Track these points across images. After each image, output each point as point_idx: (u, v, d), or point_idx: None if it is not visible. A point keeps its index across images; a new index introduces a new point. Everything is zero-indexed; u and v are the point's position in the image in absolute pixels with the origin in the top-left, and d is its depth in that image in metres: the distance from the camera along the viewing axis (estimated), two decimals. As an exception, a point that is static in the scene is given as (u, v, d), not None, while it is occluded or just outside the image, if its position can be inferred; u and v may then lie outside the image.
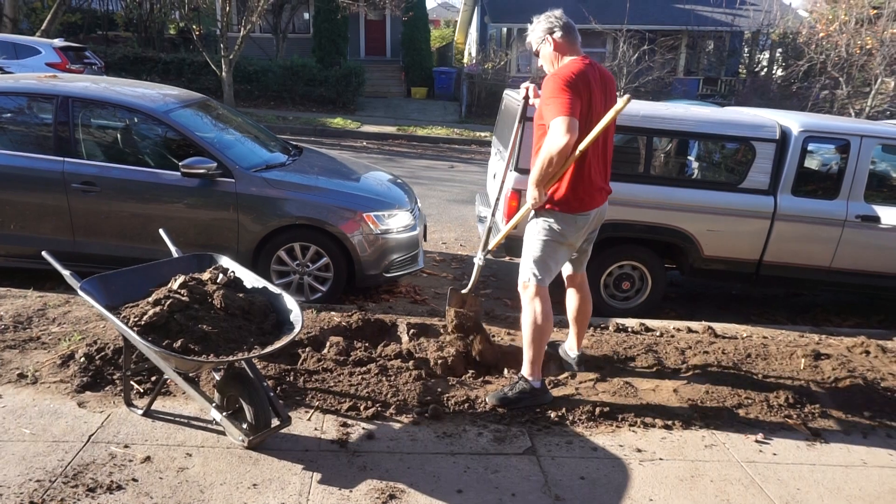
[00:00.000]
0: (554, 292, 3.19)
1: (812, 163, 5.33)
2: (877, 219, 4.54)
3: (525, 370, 3.15)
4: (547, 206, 2.97)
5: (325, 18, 19.01)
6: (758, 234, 4.56)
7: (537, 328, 3.07)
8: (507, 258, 5.00)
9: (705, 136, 4.75)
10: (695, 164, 5.43)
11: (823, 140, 4.80)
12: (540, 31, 2.97)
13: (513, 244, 4.63)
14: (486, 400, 3.13)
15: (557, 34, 2.92)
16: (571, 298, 3.42)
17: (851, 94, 14.99)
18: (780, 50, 19.71)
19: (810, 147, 4.72)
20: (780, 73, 18.98)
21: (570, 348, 3.54)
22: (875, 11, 14.81)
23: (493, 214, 3.60)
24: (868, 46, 14.33)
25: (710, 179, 5.22)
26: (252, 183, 4.31)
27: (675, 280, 5.35)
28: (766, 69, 20.38)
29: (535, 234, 3.05)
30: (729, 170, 5.00)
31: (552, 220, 2.99)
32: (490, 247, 3.54)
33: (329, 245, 4.40)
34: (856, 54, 14.66)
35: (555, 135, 2.73)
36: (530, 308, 3.08)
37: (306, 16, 21.05)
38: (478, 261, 3.56)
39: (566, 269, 3.37)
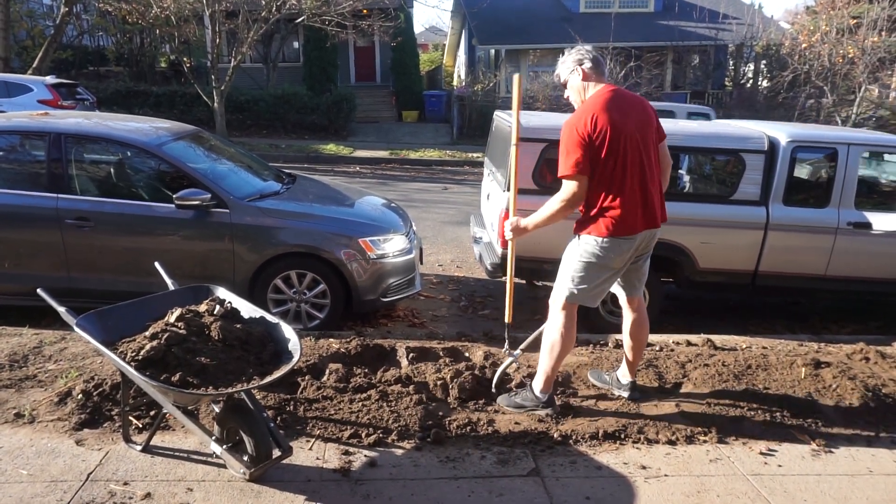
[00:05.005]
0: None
1: (802, 172, 5.37)
2: (868, 225, 4.57)
3: (537, 381, 3.22)
4: (590, 231, 2.98)
5: (315, 47, 19.22)
6: (752, 244, 4.58)
7: (554, 341, 3.12)
8: (503, 278, 5.00)
9: (695, 149, 4.80)
10: (686, 178, 5.47)
11: (811, 149, 4.85)
12: (570, 63, 3.05)
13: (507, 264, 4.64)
14: (497, 401, 3.31)
15: (587, 65, 3.01)
16: (628, 323, 3.35)
17: (837, 102, 15.19)
18: (764, 62, 20.01)
19: (799, 157, 4.76)
20: (765, 84, 19.24)
21: (622, 375, 3.48)
22: (855, 21, 15.08)
23: None
24: (850, 55, 14.57)
25: (703, 192, 5.26)
26: (246, 213, 4.32)
27: (672, 293, 5.36)
28: (751, 81, 20.67)
29: (577, 255, 3.05)
30: (720, 182, 5.05)
31: (595, 244, 2.98)
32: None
33: (325, 272, 4.40)
34: (839, 63, 14.89)
35: (565, 194, 2.89)
36: (553, 320, 3.15)
37: (296, 45, 21.27)
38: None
39: (622, 294, 3.33)
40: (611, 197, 2.92)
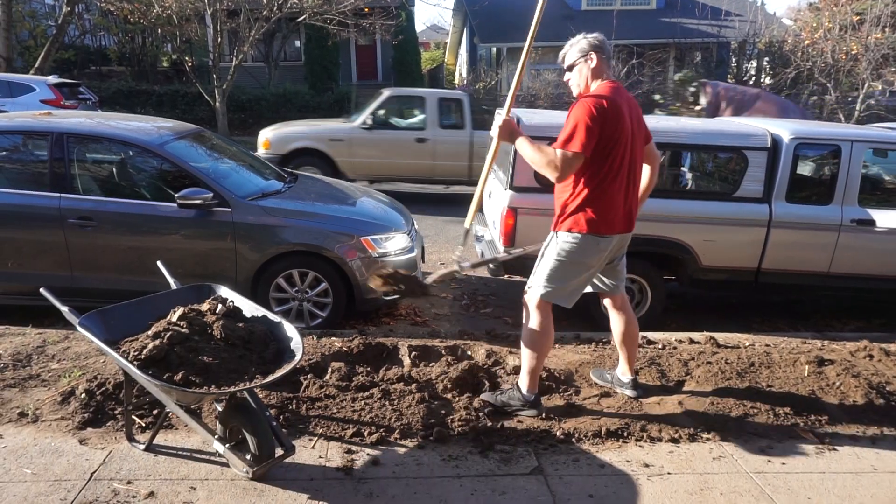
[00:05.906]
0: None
1: (805, 169, 5.36)
2: (872, 222, 4.56)
3: (522, 381, 3.21)
4: (570, 228, 2.97)
5: (316, 45, 19.22)
6: (755, 242, 4.57)
7: (532, 340, 3.11)
8: (506, 276, 5.00)
9: (697, 147, 4.79)
10: (689, 175, 5.46)
11: (814, 146, 4.83)
12: (585, 46, 2.95)
13: (512, 263, 4.64)
14: (481, 397, 3.27)
15: (603, 55, 2.94)
16: (615, 322, 3.35)
17: (840, 99, 15.12)
18: (766, 59, 19.94)
19: (802, 154, 4.75)
20: (768, 81, 19.17)
21: (622, 373, 3.46)
22: (858, 17, 15.03)
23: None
24: (853, 52, 14.51)
25: (705, 190, 5.24)
26: (248, 211, 4.32)
27: (674, 291, 5.35)
28: (754, 78, 20.60)
29: (554, 252, 3.03)
30: (723, 179, 5.04)
31: (573, 241, 2.97)
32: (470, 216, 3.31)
33: (328, 270, 4.40)
34: (842, 60, 14.82)
35: (556, 162, 2.77)
36: (528, 319, 3.13)
37: (297, 44, 21.27)
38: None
39: (604, 294, 3.33)
40: (596, 193, 2.90)
